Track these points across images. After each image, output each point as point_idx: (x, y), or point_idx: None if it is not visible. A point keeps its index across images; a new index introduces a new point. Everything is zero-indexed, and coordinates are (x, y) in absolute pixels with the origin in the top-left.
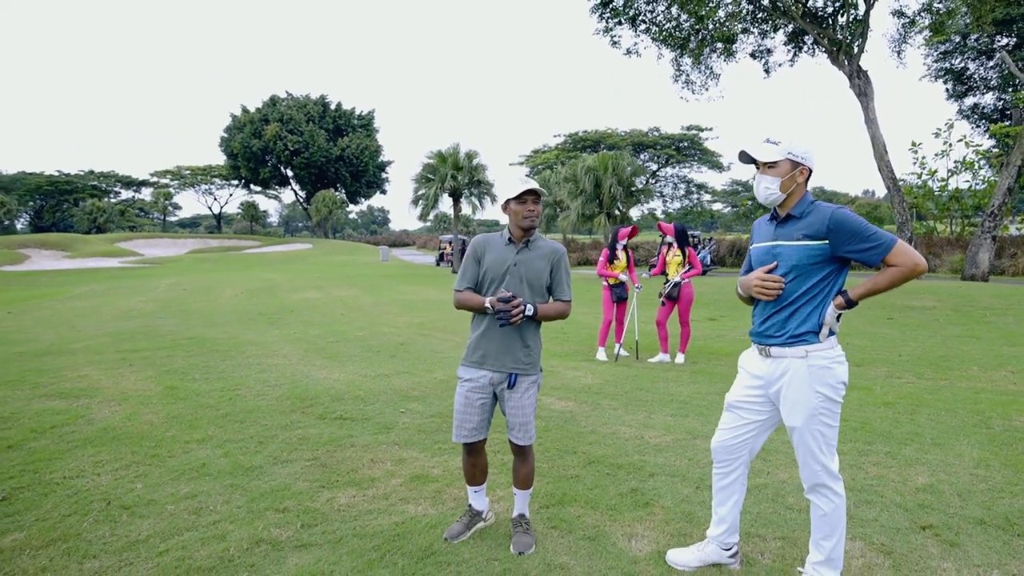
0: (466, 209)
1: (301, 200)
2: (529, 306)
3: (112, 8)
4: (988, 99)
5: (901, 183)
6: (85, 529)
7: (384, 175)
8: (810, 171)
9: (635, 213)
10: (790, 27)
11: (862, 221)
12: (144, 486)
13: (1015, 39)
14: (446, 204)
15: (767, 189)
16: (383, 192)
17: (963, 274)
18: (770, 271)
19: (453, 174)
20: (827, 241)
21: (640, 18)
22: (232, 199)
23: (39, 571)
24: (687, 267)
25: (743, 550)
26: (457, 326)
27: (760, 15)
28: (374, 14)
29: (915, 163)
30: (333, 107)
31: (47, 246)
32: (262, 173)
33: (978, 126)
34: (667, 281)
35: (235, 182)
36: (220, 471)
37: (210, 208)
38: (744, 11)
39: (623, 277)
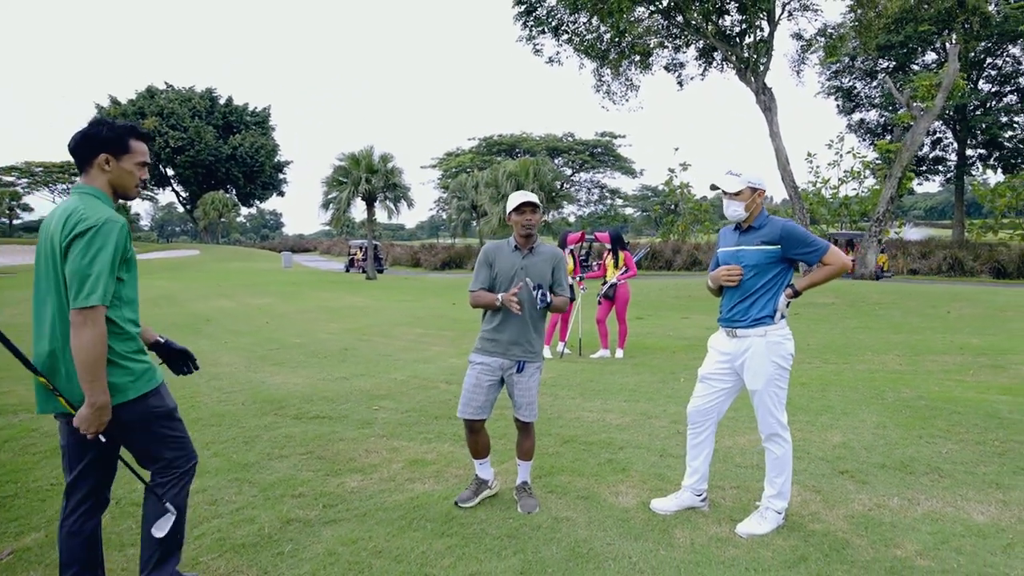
0: (381, 214)
1: (184, 202)
2: (543, 292)
3: None
4: (872, 115)
5: (801, 191)
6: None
7: (282, 176)
8: (764, 191)
9: (549, 218)
10: (701, 44)
11: (805, 231)
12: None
13: (895, 62)
14: (359, 208)
15: (735, 211)
16: (280, 194)
17: (854, 274)
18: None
19: (367, 177)
20: (779, 246)
21: (562, 28)
22: None
23: None
24: (623, 269)
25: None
26: (394, 331)
27: (674, 31)
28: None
29: (810, 172)
30: (223, 102)
31: None
32: None
33: (864, 139)
34: (604, 282)
35: None
36: (218, 469)
37: None
38: (660, 26)
39: (570, 280)
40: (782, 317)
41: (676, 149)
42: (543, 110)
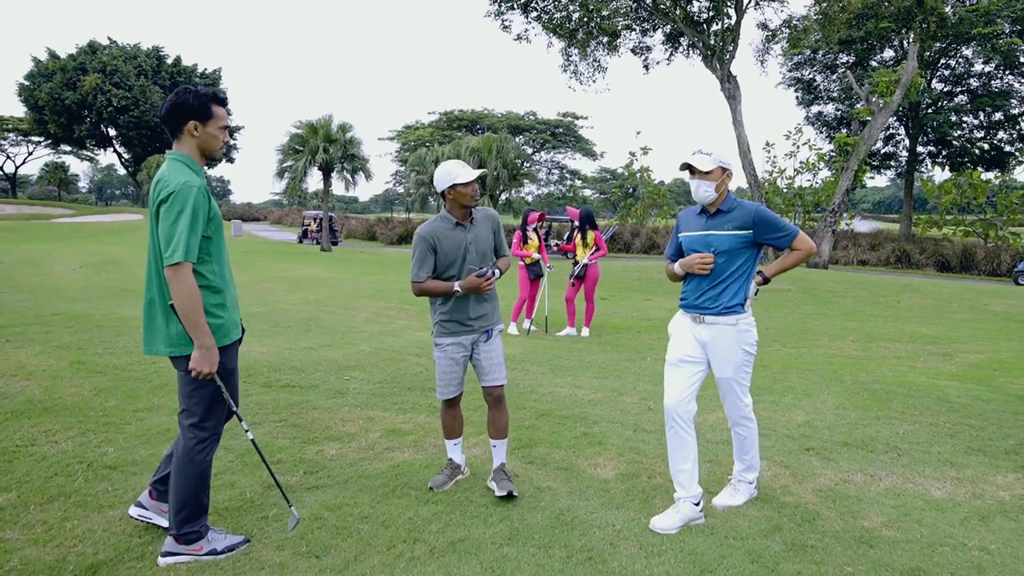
0: (337, 185)
1: (126, 164)
2: (496, 271)
3: None
4: (830, 108)
5: (761, 179)
6: (81, 487)
7: (232, 141)
8: (732, 173)
9: (511, 196)
10: (668, 28)
11: (777, 216)
12: (116, 450)
13: (855, 57)
14: (315, 178)
15: (705, 192)
16: (230, 161)
17: (808, 262)
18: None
19: (325, 146)
20: (751, 231)
21: (532, 5)
22: (32, 159)
23: (61, 521)
24: (594, 248)
25: None
26: (355, 303)
27: (643, 14)
28: None
29: (767, 161)
30: (171, 61)
31: None
32: (77, 131)
33: (821, 132)
34: (576, 262)
35: (37, 139)
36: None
37: (0, 168)
38: (628, 7)
39: (536, 256)
40: (749, 305)
41: (638, 133)
42: (506, 87)
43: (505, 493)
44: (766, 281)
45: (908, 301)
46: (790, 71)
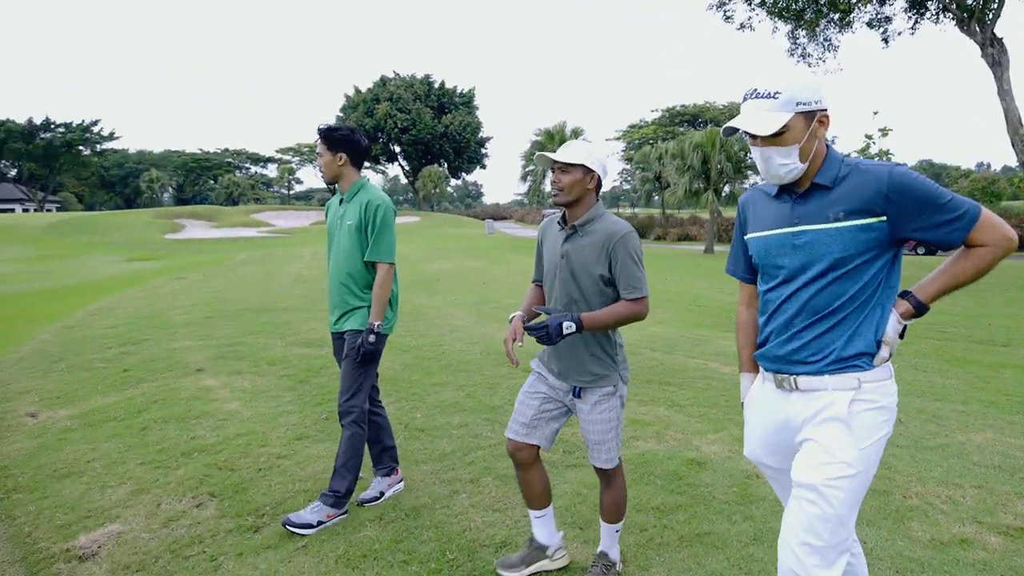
0: None
1: (408, 175)
2: (568, 324)
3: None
4: None
5: None
6: (402, 444)
7: (484, 151)
8: (828, 115)
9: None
10: None
11: (933, 183)
12: (422, 416)
13: None
14: None
15: (783, 166)
16: (483, 167)
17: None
18: (802, 286)
19: None
20: (885, 217)
21: None
22: None
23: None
24: None
25: None
26: None
27: None
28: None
29: None
30: (437, 85)
31: (196, 217)
32: (373, 150)
33: None
34: None
35: None
36: (471, 408)
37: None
38: None
39: None
40: (889, 355)
41: (875, 113)
42: (727, 78)
43: None
44: (921, 310)
45: None
46: None
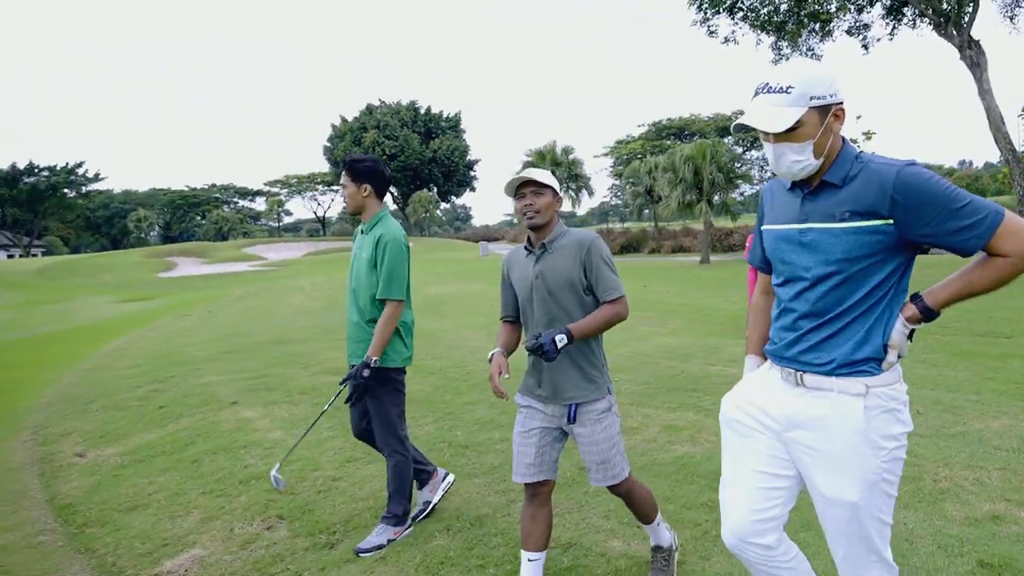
0: (564, 203)
1: (398, 200)
2: (560, 336)
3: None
4: None
5: (1021, 153)
6: (450, 460)
7: (472, 173)
8: (843, 108)
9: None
10: (888, 0)
11: (948, 184)
12: (463, 433)
13: None
14: None
15: (796, 163)
16: (472, 190)
17: None
18: (808, 286)
19: (552, 170)
20: (891, 220)
21: (737, 6)
22: (334, 203)
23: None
24: None
25: None
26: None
27: None
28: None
29: None
30: (423, 111)
31: (187, 254)
32: None
33: None
34: None
35: (338, 187)
36: (508, 424)
37: (315, 212)
38: None
39: None
40: (897, 359)
41: (858, 117)
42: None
43: None
44: (930, 315)
45: None
46: None
